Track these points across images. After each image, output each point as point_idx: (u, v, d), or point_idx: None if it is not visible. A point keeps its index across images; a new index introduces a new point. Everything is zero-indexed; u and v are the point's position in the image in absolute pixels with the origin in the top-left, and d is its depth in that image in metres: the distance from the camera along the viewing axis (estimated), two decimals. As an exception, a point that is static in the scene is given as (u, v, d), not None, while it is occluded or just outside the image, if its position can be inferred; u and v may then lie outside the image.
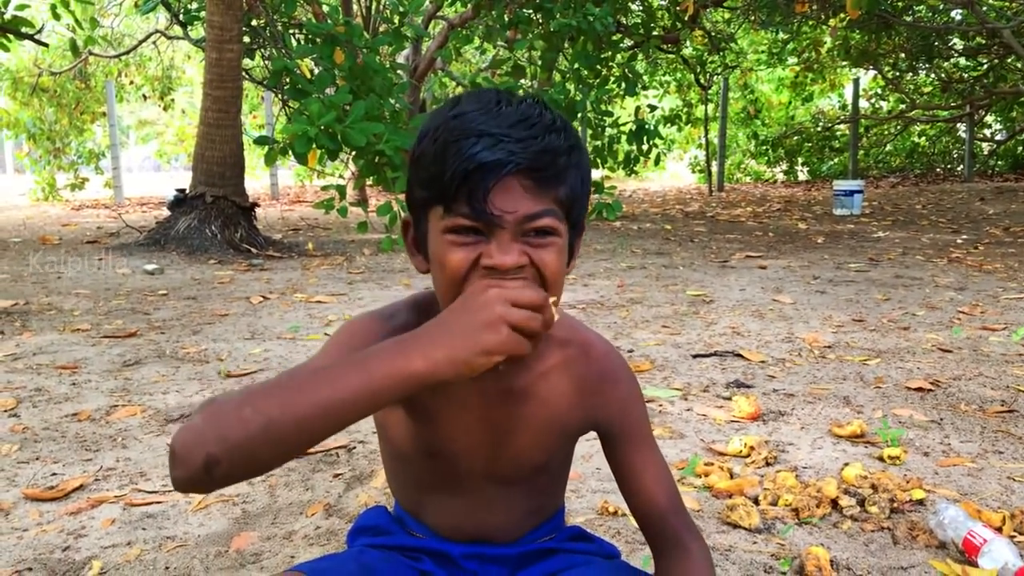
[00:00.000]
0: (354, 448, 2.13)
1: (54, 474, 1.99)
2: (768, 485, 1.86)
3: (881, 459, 2.06)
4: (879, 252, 6.02)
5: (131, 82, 15.33)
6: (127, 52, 13.50)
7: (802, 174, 15.96)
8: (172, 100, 15.93)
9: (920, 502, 1.79)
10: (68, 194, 12.96)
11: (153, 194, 13.66)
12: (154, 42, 13.66)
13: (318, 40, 5.96)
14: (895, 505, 1.77)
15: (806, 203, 10.75)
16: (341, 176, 13.22)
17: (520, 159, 0.87)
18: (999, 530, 1.63)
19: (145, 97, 15.86)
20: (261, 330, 3.60)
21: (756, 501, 1.81)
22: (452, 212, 0.89)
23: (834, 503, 1.78)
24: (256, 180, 15.37)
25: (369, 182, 8.43)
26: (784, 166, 16.03)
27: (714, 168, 13.45)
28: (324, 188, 5.86)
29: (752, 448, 2.10)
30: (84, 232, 7.77)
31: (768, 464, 2.04)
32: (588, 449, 2.13)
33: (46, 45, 8.79)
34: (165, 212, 8.49)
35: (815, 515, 1.73)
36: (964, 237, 6.83)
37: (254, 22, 7.71)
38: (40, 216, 10.00)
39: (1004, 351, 3.14)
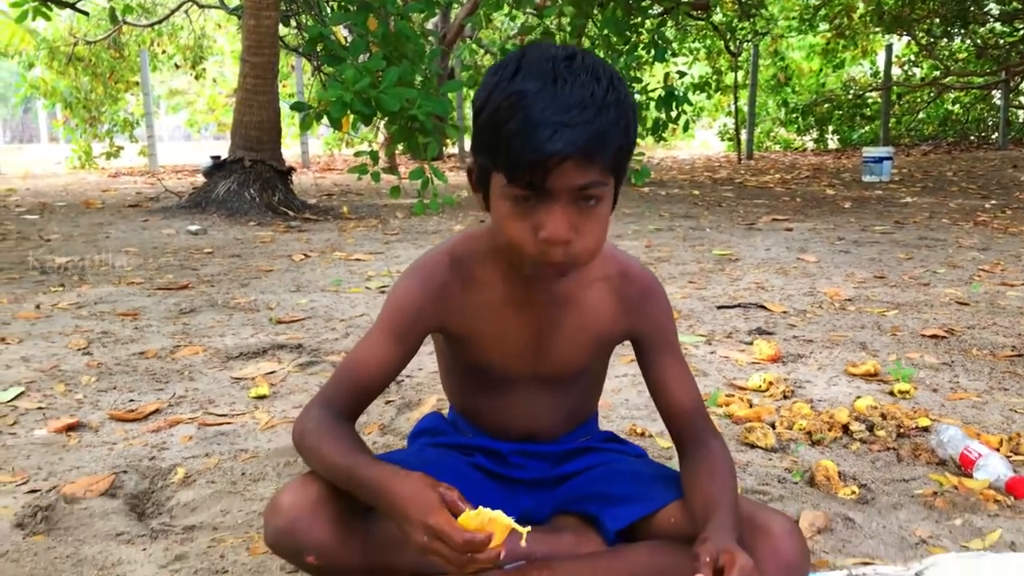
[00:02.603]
0: (403, 381, 2.31)
1: (131, 400, 2.19)
2: (784, 413, 2.02)
3: (892, 394, 2.20)
4: (905, 216, 6.09)
5: (163, 51, 15.52)
6: (160, 21, 13.68)
7: (832, 142, 15.86)
8: (204, 69, 16.12)
9: (925, 429, 1.94)
10: (104, 162, 13.26)
11: (186, 162, 13.91)
12: (186, 11, 13.84)
13: (351, 7, 6.09)
14: (902, 431, 1.93)
15: (835, 171, 10.75)
16: (371, 143, 13.35)
17: (576, 147, 0.98)
18: (996, 450, 1.77)
19: (177, 66, 16.05)
20: (305, 284, 3.79)
21: (773, 426, 1.96)
22: (512, 184, 1.02)
23: (845, 428, 1.94)
24: (287, 148, 15.46)
25: (399, 149, 8.55)
26: (814, 134, 15.94)
27: (743, 136, 13.43)
28: (357, 154, 6.02)
29: (771, 383, 2.25)
30: (124, 197, 8.01)
31: (785, 397, 2.19)
32: (617, 384, 2.29)
33: (86, 14, 9.01)
34: (200, 179, 8.71)
35: (827, 437, 1.89)
36: (993, 202, 6.86)
37: (289, -10, 7.85)
38: (79, 183, 10.26)
39: (1021, 304, 3.25)
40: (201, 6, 13.05)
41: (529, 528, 1.02)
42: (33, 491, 1.64)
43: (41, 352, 2.64)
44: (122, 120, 13.96)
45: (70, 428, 1.97)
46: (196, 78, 16.32)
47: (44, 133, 27.68)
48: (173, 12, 13.37)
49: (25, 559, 1.38)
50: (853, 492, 1.63)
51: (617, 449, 1.41)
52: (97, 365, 2.49)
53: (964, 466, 1.69)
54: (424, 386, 2.29)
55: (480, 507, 0.99)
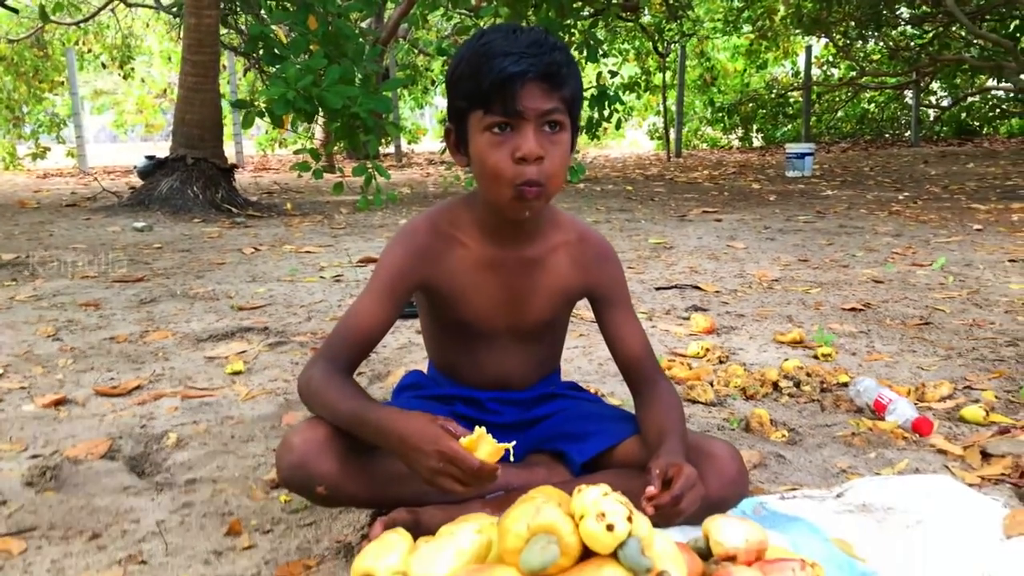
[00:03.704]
0: (371, 357, 2.46)
1: (112, 378, 2.29)
2: (721, 374, 2.24)
3: (816, 357, 2.45)
4: (826, 207, 6.46)
5: (89, 50, 15.18)
6: (86, 19, 13.39)
7: (757, 140, 16.46)
8: (132, 69, 15.80)
9: (845, 384, 2.18)
10: (29, 163, 12.94)
11: (116, 163, 13.66)
12: (112, 10, 13.59)
13: (291, 7, 6.16)
14: (824, 386, 2.17)
15: (760, 167, 11.21)
16: (308, 141, 13.31)
17: (536, 69, 1.22)
18: (905, 397, 2.02)
19: (104, 66, 15.71)
20: (260, 275, 3.89)
21: (711, 384, 2.18)
22: (490, 112, 1.24)
23: (775, 385, 2.17)
24: (220, 149, 15.35)
25: (337, 147, 8.59)
26: (739, 132, 16.51)
27: (672, 135, 13.84)
28: (297, 152, 6.10)
29: (707, 350, 2.48)
30: (60, 197, 7.91)
31: (721, 362, 2.42)
32: (569, 355, 2.49)
33: (16, 11, 8.82)
34: (134, 179, 8.61)
35: (759, 392, 2.11)
36: (905, 194, 7.30)
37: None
38: (7, 183, 10.04)
39: (928, 282, 3.57)
40: (129, 4, 12.83)
41: (514, 442, 1.19)
42: (35, 456, 1.75)
43: (9, 340, 2.71)
44: (48, 120, 13.64)
45: (58, 403, 2.07)
46: (124, 78, 15.98)
47: (-42, 135, 26.65)
48: (100, 10, 13.10)
49: (42, 511, 1.50)
50: (783, 435, 1.85)
51: (578, 396, 1.60)
52: (70, 349, 2.58)
53: (877, 411, 1.93)
54: (391, 360, 2.45)
55: (476, 428, 1.16)
